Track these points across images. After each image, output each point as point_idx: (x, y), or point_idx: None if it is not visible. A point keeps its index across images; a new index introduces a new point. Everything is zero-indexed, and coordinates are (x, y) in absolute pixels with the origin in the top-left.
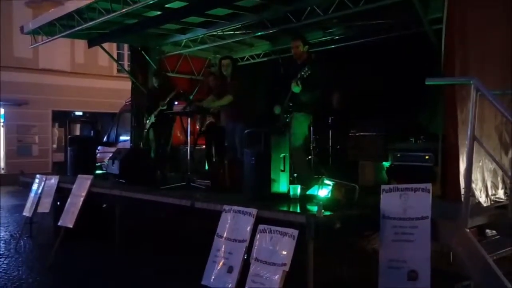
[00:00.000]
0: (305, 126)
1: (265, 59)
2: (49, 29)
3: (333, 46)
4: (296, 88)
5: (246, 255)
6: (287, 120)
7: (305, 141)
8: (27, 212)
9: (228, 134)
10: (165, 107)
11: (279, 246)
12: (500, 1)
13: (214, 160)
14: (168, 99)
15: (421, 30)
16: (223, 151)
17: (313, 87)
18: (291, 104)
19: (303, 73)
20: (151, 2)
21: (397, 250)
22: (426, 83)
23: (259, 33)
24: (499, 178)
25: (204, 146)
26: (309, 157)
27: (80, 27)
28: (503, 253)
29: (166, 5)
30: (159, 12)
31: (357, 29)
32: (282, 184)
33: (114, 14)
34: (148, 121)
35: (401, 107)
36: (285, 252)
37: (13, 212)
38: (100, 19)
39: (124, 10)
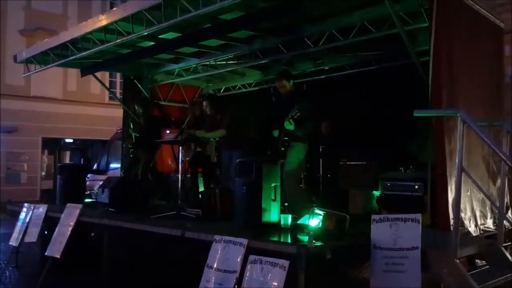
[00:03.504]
0: (301, 154)
1: (256, 88)
2: (43, 58)
3: (323, 76)
4: (289, 126)
5: (236, 286)
6: (282, 149)
7: (300, 170)
8: (13, 242)
9: (224, 163)
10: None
11: (270, 277)
12: (486, 32)
13: (200, 190)
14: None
15: (409, 62)
16: (210, 180)
17: (306, 121)
18: (286, 138)
19: (293, 113)
20: (145, 33)
21: (388, 281)
22: (414, 114)
23: (251, 63)
24: (487, 208)
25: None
26: (300, 185)
27: (74, 57)
28: (493, 283)
29: (160, 36)
30: (152, 43)
31: (348, 60)
32: (273, 213)
33: (108, 44)
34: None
35: (391, 137)
36: (276, 283)
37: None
38: (94, 49)
39: (118, 40)
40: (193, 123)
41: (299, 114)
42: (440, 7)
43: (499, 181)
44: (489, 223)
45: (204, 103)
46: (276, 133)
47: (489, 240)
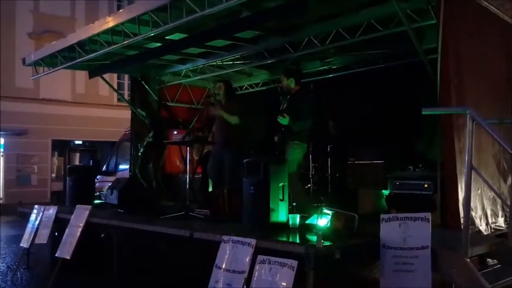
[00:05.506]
0: (299, 153)
1: (264, 88)
2: (51, 61)
3: (330, 76)
4: (283, 120)
5: (245, 287)
6: (281, 147)
7: (299, 169)
8: (24, 243)
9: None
10: (150, 139)
11: (279, 277)
12: (494, 29)
13: (210, 189)
14: (150, 134)
15: (417, 60)
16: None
17: (302, 117)
18: (283, 129)
19: (281, 105)
20: (152, 34)
21: (398, 281)
22: (423, 113)
23: (258, 63)
24: (498, 206)
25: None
26: (308, 185)
27: (81, 59)
28: (504, 282)
29: (166, 37)
30: (159, 44)
31: (355, 59)
32: (281, 213)
33: (115, 46)
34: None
35: (400, 136)
36: (284, 283)
37: (11, 243)
38: (101, 51)
39: (125, 42)
40: (208, 124)
41: (286, 105)
42: (448, 3)
43: (510, 179)
44: (500, 221)
45: (218, 84)
46: (277, 138)
47: (500, 238)
